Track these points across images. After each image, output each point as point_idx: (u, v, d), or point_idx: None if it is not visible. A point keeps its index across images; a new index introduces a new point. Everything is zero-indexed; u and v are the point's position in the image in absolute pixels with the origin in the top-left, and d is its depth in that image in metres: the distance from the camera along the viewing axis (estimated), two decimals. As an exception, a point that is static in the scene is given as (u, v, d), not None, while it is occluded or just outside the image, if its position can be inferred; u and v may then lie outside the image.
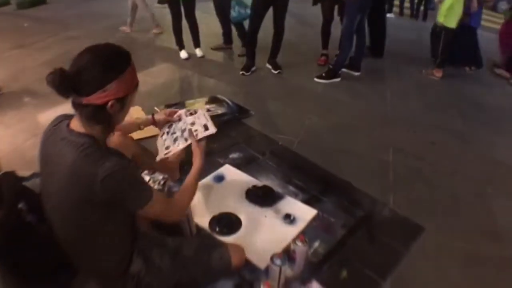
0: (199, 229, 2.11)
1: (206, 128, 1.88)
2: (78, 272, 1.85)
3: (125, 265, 1.61)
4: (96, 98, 1.29)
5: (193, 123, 1.92)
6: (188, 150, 1.85)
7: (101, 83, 1.29)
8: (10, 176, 1.98)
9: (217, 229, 2.11)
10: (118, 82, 1.31)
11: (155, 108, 3.35)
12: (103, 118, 1.36)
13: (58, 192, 1.39)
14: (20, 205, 1.77)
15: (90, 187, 1.28)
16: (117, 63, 1.34)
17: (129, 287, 1.65)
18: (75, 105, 1.33)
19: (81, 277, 1.83)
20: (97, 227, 1.44)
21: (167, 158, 1.90)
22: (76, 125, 1.38)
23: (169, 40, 5.14)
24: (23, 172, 2.07)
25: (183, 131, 1.90)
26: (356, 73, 4.65)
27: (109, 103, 1.31)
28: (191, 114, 1.98)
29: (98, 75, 1.29)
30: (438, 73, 4.81)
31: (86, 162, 1.30)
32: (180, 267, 1.71)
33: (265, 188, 2.47)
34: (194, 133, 1.83)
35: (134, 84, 1.41)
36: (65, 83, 1.25)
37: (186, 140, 1.85)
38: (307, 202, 2.41)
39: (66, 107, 3.51)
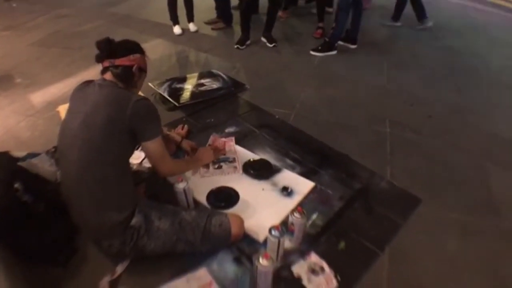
0: (197, 203, 2.11)
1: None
2: (77, 250, 1.87)
3: (128, 215, 1.68)
4: (126, 60, 1.78)
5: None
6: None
7: (132, 50, 1.82)
8: (5, 156, 1.99)
9: (215, 203, 2.12)
10: (141, 56, 1.86)
11: (149, 84, 3.32)
12: (129, 78, 1.81)
13: (87, 119, 1.63)
14: (16, 185, 1.78)
15: (123, 106, 1.63)
16: (140, 46, 1.89)
17: (127, 246, 1.70)
18: (106, 69, 1.78)
19: (80, 255, 1.85)
20: (114, 155, 1.66)
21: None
22: (108, 77, 1.78)
23: (162, 16, 5.07)
24: (18, 153, 2.06)
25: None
26: (353, 46, 4.60)
27: (134, 66, 1.81)
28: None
29: (130, 46, 1.85)
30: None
31: (121, 91, 1.73)
32: (179, 229, 1.75)
33: (262, 161, 2.47)
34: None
35: (146, 68, 1.93)
36: (109, 46, 1.77)
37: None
38: (304, 175, 2.40)
39: (58, 86, 3.50)
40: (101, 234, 1.72)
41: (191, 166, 2.33)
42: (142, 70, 1.88)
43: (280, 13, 5.36)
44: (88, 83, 1.78)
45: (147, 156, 1.81)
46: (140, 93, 2.04)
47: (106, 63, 1.77)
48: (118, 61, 1.76)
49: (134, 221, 1.68)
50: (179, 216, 1.79)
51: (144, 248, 1.72)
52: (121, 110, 1.62)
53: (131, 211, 1.69)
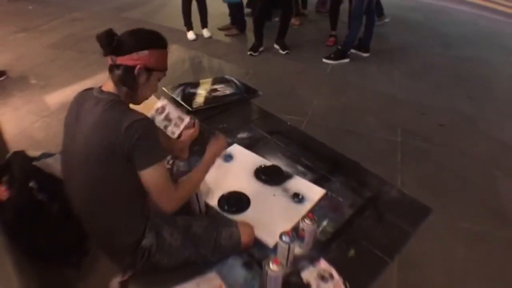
0: (208, 207, 2.12)
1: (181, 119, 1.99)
2: (89, 250, 1.88)
3: (138, 237, 1.62)
4: (128, 59, 1.48)
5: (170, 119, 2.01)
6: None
7: (136, 47, 1.48)
8: (20, 155, 2.01)
9: (226, 207, 2.13)
10: (150, 52, 1.50)
11: (163, 88, 3.36)
12: (130, 81, 1.52)
13: (84, 146, 1.47)
14: (31, 184, 1.79)
15: (116, 132, 1.40)
16: (153, 39, 1.55)
17: (138, 263, 1.67)
18: (110, 68, 1.52)
19: (92, 255, 1.86)
20: (117, 184, 1.50)
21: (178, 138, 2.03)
22: (107, 86, 1.54)
23: (175, 21, 5.10)
24: (33, 152, 2.09)
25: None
26: (365, 54, 4.59)
27: (137, 67, 1.49)
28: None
29: (136, 40, 1.50)
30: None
31: (114, 112, 1.45)
32: (190, 245, 1.74)
33: (274, 167, 2.48)
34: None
35: (162, 66, 1.59)
36: (109, 40, 1.45)
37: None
38: (315, 181, 2.41)
39: (73, 88, 3.54)
40: (112, 252, 1.73)
41: (204, 173, 1.80)
42: (152, 70, 1.54)
43: (293, 20, 5.34)
44: (85, 93, 1.60)
45: (146, 189, 1.50)
46: (151, 101, 1.79)
47: (109, 60, 1.51)
48: (119, 59, 1.48)
49: (144, 242, 1.63)
50: (190, 231, 1.76)
51: (158, 264, 1.70)
52: (114, 137, 1.41)
53: (141, 232, 1.63)
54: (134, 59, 1.48)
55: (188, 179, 1.70)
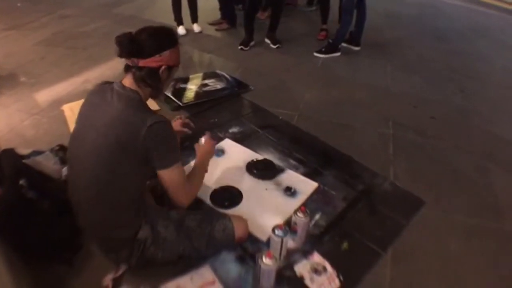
0: (200, 202, 2.11)
1: None
2: (82, 247, 1.87)
3: (136, 228, 1.64)
4: (152, 61, 1.55)
5: None
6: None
7: (159, 49, 1.56)
8: (10, 153, 1.99)
9: (219, 202, 2.12)
10: (170, 52, 1.59)
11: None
12: (153, 81, 1.60)
13: (97, 138, 1.51)
14: (21, 182, 1.78)
15: (137, 131, 1.46)
16: (171, 38, 1.64)
17: (134, 256, 1.67)
18: (129, 68, 1.58)
19: (84, 252, 1.85)
20: (122, 178, 1.55)
21: None
22: (127, 82, 1.59)
23: (166, 17, 5.07)
24: (23, 150, 2.07)
25: None
26: (356, 48, 4.59)
27: (162, 68, 1.58)
28: None
29: (157, 42, 1.57)
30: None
31: (136, 110, 1.53)
32: (184, 238, 1.73)
33: (266, 161, 2.47)
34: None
35: (179, 61, 1.69)
36: (131, 44, 1.51)
37: None
38: (307, 175, 2.41)
39: (63, 86, 3.50)
40: (108, 247, 1.72)
41: (202, 173, 1.93)
42: (172, 67, 1.65)
43: (259, 14, 5.29)
44: (106, 85, 1.63)
45: (163, 184, 1.62)
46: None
47: (129, 62, 1.56)
48: (142, 62, 1.54)
49: (140, 234, 1.65)
50: (184, 224, 1.76)
51: (152, 258, 1.70)
52: (134, 135, 1.47)
53: (139, 226, 1.65)
54: (157, 60, 1.56)
55: (194, 174, 1.83)
